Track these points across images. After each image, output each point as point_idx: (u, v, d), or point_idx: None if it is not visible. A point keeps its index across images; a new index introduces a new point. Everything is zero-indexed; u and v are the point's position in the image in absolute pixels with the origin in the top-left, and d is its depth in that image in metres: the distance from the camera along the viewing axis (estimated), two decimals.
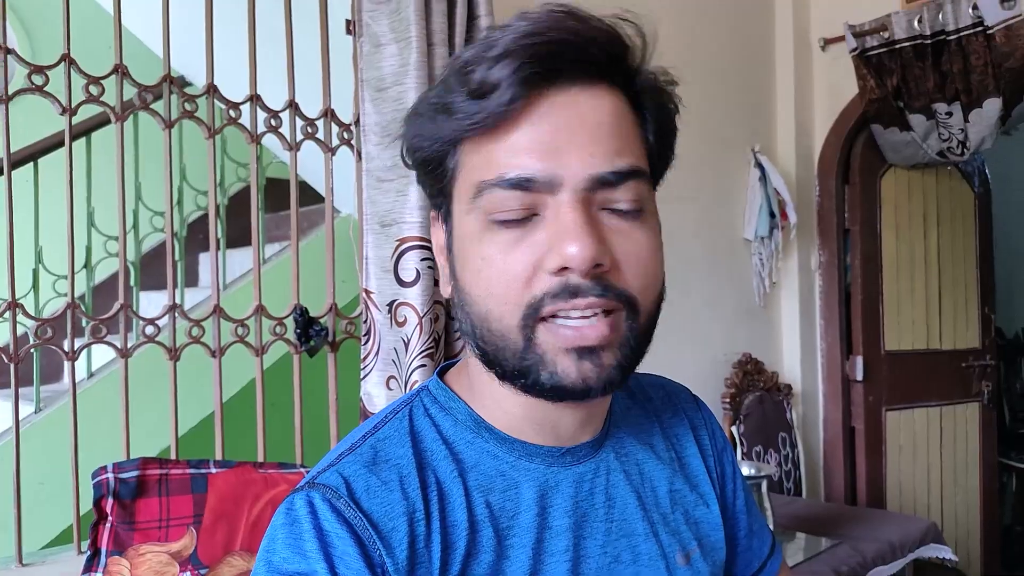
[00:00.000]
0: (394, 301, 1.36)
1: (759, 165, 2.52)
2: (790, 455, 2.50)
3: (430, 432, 0.58)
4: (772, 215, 2.51)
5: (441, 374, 0.63)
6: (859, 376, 2.65)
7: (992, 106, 2.23)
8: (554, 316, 0.51)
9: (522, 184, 0.51)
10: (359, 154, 1.51)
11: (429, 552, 0.53)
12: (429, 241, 1.44)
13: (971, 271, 3.00)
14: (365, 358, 1.38)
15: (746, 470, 1.70)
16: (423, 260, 1.37)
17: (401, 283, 1.37)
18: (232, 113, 1.47)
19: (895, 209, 2.75)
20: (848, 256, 2.69)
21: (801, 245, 2.66)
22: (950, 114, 2.30)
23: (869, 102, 2.46)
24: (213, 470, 1.14)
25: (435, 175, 0.56)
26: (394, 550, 0.52)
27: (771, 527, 1.73)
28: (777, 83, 2.70)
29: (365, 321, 1.40)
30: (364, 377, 1.37)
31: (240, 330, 1.40)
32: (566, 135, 0.51)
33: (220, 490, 1.07)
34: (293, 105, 1.53)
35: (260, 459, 1.39)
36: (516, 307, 0.51)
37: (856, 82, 2.47)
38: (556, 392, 0.53)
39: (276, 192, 2.48)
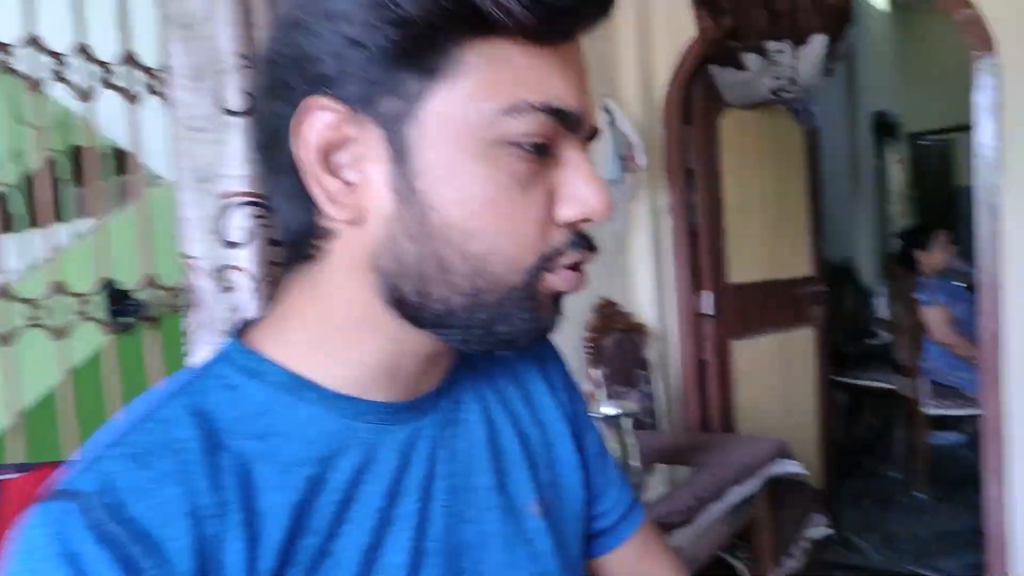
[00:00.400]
0: (221, 266, 1.22)
1: (607, 110, 2.53)
2: (650, 392, 2.58)
3: (229, 405, 0.48)
4: (622, 159, 2.53)
5: (241, 336, 0.53)
6: (708, 310, 2.77)
7: (818, 42, 2.35)
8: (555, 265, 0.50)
9: (562, 116, 0.47)
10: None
11: (223, 554, 0.44)
12: (258, 196, 1.31)
13: (802, 204, 3.20)
14: (189, 331, 1.23)
15: (610, 409, 1.71)
16: (255, 218, 1.23)
17: (229, 244, 1.22)
18: (2, 56, 1.24)
19: (734, 148, 2.87)
20: (694, 196, 2.78)
21: (650, 188, 2.71)
22: (780, 51, 2.40)
23: (706, 42, 2.52)
24: (12, 475, 0.97)
25: (410, 56, 0.44)
26: (171, 562, 0.42)
27: (637, 462, 1.77)
28: (619, 27, 2.70)
29: (189, 291, 1.25)
30: (190, 352, 1.23)
31: (36, 311, 1.21)
32: (585, 81, 0.50)
33: (15, 498, 0.91)
34: (81, 47, 1.31)
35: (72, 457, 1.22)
36: (531, 251, 0.48)
37: (695, 23, 2.52)
38: (524, 339, 0.49)
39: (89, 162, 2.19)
